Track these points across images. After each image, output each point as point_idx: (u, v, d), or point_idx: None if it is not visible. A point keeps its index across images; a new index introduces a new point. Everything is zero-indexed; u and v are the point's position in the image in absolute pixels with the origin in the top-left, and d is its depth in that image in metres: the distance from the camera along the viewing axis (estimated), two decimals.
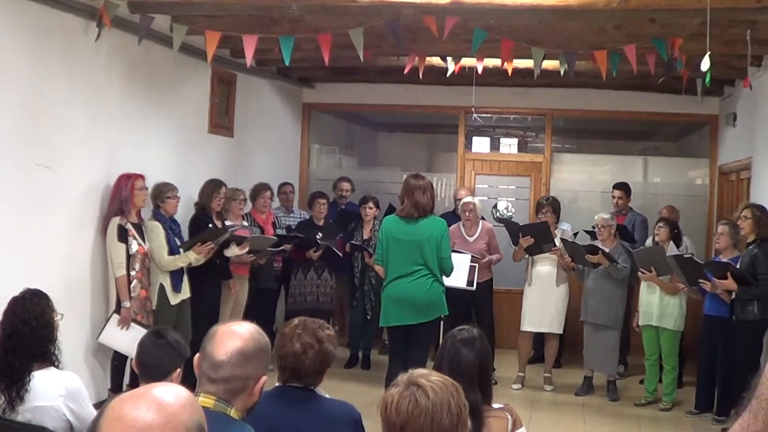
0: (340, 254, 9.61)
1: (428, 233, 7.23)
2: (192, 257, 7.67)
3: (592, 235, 9.35)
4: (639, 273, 8.53)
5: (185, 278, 7.79)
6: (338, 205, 10.61)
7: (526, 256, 9.26)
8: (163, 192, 7.74)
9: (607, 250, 8.70)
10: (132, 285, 7.17)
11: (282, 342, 3.60)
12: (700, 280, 7.87)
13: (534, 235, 9.02)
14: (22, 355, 4.01)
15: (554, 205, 9.39)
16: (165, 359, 3.81)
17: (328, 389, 3.80)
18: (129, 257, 7.17)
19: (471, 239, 9.32)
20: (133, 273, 7.19)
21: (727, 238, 8.05)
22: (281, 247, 9.07)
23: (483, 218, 9.66)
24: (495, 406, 3.80)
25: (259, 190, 9.44)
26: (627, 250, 8.85)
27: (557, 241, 9.09)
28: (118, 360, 7.24)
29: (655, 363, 8.77)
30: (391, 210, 8.85)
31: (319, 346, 3.58)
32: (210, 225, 8.14)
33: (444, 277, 7.44)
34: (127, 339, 6.90)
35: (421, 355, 7.17)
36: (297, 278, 9.56)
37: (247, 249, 8.37)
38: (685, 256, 8.16)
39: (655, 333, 8.64)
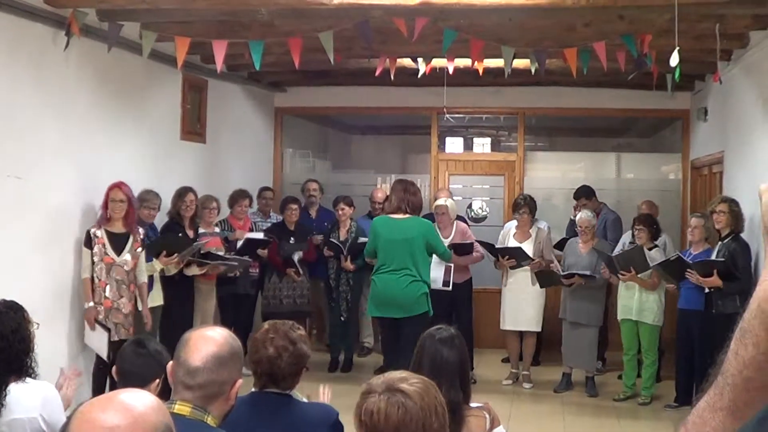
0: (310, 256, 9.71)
1: (416, 233, 7.59)
2: (158, 267, 7.74)
3: (561, 246, 9.51)
4: (619, 275, 8.51)
5: (156, 286, 7.81)
6: (309, 208, 10.54)
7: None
8: (141, 201, 7.84)
9: (585, 271, 8.76)
10: (106, 292, 7.18)
11: (255, 348, 3.56)
12: (687, 272, 7.83)
13: (512, 256, 9.11)
14: None
15: (531, 205, 9.44)
16: (144, 368, 3.76)
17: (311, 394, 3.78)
18: (93, 263, 7.17)
19: (446, 241, 9.35)
20: (97, 281, 7.20)
21: (701, 231, 8.09)
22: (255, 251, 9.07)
23: (459, 218, 9.65)
24: (473, 405, 3.80)
25: (237, 197, 9.40)
26: (606, 256, 8.77)
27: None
28: (101, 366, 7.21)
29: (633, 358, 8.80)
30: None
31: (293, 348, 3.55)
32: (180, 234, 8.16)
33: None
34: (96, 339, 7.14)
35: (411, 352, 7.26)
36: (271, 281, 9.54)
37: (205, 270, 8.37)
38: (671, 259, 8.12)
39: (634, 327, 8.66)
